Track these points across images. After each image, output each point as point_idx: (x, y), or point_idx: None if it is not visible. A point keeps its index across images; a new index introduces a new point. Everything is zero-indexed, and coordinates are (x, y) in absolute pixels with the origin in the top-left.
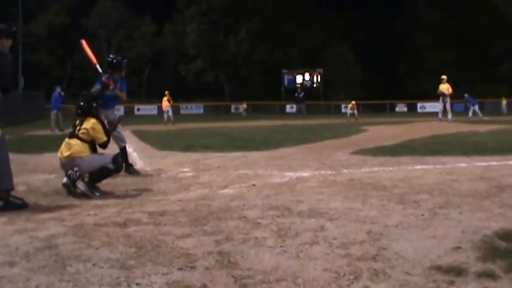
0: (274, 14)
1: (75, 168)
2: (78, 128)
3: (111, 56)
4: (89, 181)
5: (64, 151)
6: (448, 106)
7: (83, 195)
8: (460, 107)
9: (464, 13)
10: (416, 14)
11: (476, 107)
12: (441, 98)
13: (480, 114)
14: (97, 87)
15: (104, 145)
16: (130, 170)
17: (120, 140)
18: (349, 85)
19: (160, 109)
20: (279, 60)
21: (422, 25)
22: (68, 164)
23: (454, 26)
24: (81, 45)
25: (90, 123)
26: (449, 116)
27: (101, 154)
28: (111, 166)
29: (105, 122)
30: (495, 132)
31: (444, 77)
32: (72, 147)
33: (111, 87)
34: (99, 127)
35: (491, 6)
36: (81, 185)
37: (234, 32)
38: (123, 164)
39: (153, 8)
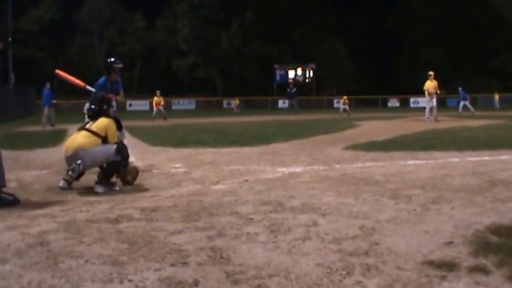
0: (266, 8)
1: (78, 161)
2: (88, 126)
3: (109, 59)
4: (103, 179)
5: (69, 144)
6: (434, 104)
7: (74, 192)
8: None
9: (456, 7)
10: (409, 8)
11: (467, 102)
12: (431, 98)
13: (472, 110)
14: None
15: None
16: None
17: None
18: (342, 80)
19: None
20: (271, 56)
21: (415, 20)
22: (72, 157)
23: (446, 21)
24: (58, 76)
25: (104, 121)
26: (434, 114)
27: (103, 146)
28: (117, 158)
29: None
30: (487, 127)
31: (431, 73)
32: (78, 138)
33: (112, 98)
34: (113, 126)
35: (484, 1)
36: (98, 188)
37: (226, 27)
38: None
39: (145, 2)
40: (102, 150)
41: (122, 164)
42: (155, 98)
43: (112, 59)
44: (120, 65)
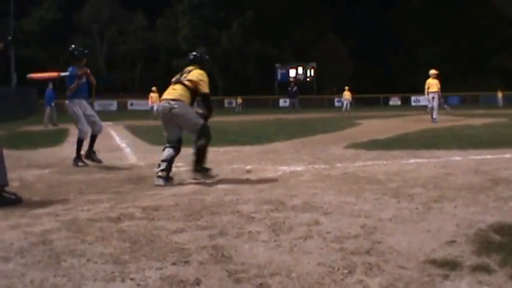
0: (267, 7)
1: (175, 106)
2: (184, 75)
3: (70, 47)
4: (196, 166)
5: (168, 94)
6: (436, 104)
7: (75, 190)
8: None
9: (456, 6)
10: (409, 6)
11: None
12: (432, 96)
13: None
14: (71, 85)
15: (206, 97)
16: (93, 157)
17: (97, 125)
18: (343, 79)
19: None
20: (272, 55)
21: (415, 18)
22: (167, 104)
23: (446, 19)
24: (31, 79)
25: (197, 72)
26: (435, 115)
27: (196, 115)
28: (202, 142)
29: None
30: (490, 126)
31: (434, 71)
32: (176, 90)
33: (88, 72)
34: (206, 78)
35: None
36: (197, 176)
37: (227, 26)
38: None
39: (145, 2)
40: (194, 114)
41: (207, 145)
42: (151, 95)
43: (72, 46)
44: (85, 52)
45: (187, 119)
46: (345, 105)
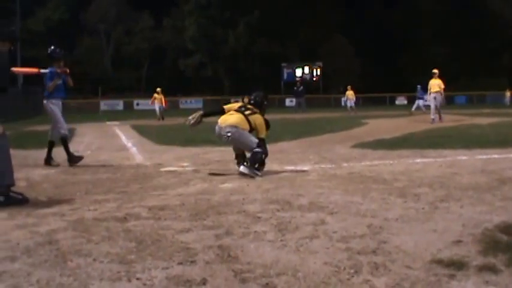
0: (273, 7)
1: (229, 134)
2: (247, 112)
3: (51, 48)
4: (249, 165)
5: (226, 119)
6: (438, 104)
7: (82, 190)
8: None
9: (464, 5)
10: (416, 5)
11: (421, 102)
12: (433, 96)
13: (424, 110)
14: (49, 83)
15: (263, 140)
16: (51, 162)
17: (61, 127)
18: (349, 78)
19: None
20: (278, 54)
21: (422, 17)
22: (224, 129)
23: (454, 18)
24: (14, 73)
25: (259, 119)
26: (433, 115)
27: (250, 135)
28: (258, 150)
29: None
30: (497, 125)
31: (436, 71)
32: (234, 118)
33: (68, 72)
34: (264, 125)
35: None
36: (244, 170)
37: (233, 26)
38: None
39: (152, 2)
40: (248, 136)
41: (263, 156)
42: (155, 95)
43: (52, 48)
44: (63, 53)
45: (241, 142)
46: (348, 104)
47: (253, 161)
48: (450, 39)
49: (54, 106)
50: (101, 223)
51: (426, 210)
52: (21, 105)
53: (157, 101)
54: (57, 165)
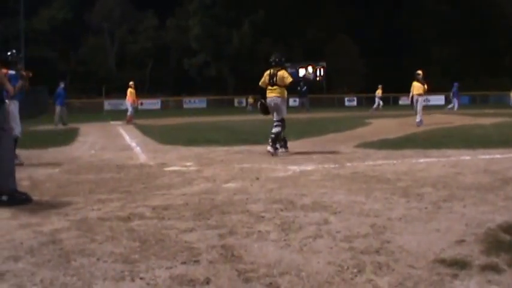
0: (277, 7)
1: (276, 101)
2: (274, 78)
3: (12, 51)
4: (273, 144)
5: (271, 93)
6: (419, 106)
7: (85, 190)
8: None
9: (468, 6)
10: (420, 5)
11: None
12: (416, 98)
13: (455, 109)
14: (16, 86)
15: (291, 83)
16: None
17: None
18: (352, 78)
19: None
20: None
21: (426, 17)
22: (274, 108)
23: (457, 19)
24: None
25: (280, 73)
26: (419, 118)
27: (285, 108)
28: (278, 129)
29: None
30: (500, 125)
31: (420, 72)
32: (275, 90)
33: (30, 75)
34: (286, 74)
35: None
36: (280, 152)
37: (237, 25)
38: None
39: (156, 2)
40: (284, 108)
41: (282, 133)
42: (130, 90)
43: (12, 51)
44: (20, 57)
45: (279, 109)
46: (376, 104)
47: (275, 139)
48: (453, 39)
49: (15, 108)
50: (104, 223)
51: (429, 210)
52: (25, 105)
53: (131, 98)
54: (21, 164)
